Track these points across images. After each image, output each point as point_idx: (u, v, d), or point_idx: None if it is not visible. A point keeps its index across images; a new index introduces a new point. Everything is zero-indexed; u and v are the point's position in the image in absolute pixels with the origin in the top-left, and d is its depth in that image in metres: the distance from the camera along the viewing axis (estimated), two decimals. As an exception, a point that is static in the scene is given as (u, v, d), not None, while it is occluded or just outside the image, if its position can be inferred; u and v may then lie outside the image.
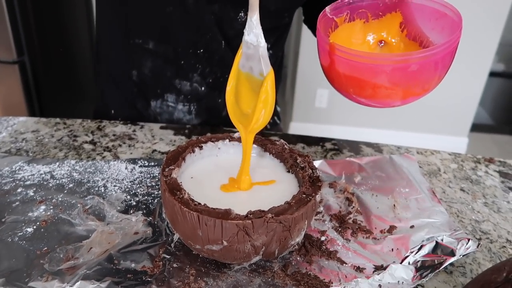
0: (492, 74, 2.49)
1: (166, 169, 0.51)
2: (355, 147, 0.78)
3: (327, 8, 0.56)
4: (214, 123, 0.87)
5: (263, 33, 0.49)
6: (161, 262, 0.49)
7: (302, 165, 0.55)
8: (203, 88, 0.82)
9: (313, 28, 0.90)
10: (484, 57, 2.31)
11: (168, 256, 0.50)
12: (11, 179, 0.62)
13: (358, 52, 0.49)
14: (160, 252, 0.50)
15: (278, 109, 1.00)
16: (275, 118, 0.98)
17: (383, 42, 0.60)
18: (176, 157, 0.54)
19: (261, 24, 0.49)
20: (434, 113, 2.39)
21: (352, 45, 0.59)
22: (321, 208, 0.59)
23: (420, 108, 2.35)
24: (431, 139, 2.50)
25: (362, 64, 0.49)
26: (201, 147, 0.57)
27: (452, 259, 0.51)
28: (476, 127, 2.64)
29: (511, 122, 2.91)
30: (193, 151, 0.56)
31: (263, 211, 0.45)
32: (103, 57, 0.87)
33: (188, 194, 0.47)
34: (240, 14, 0.75)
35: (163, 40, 0.78)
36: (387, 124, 2.50)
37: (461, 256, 0.52)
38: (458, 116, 2.45)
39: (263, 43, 0.49)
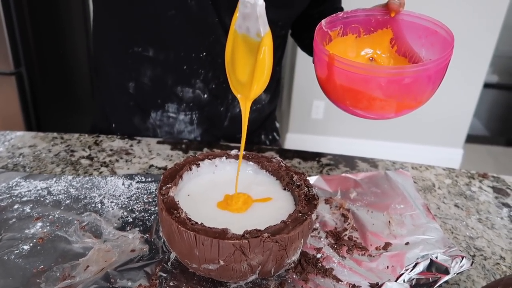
0: (487, 85, 2.51)
1: (164, 188, 0.51)
2: (350, 162, 0.78)
3: (323, 22, 0.57)
4: (216, 134, 0.87)
5: None
6: (158, 281, 0.49)
7: (298, 183, 0.55)
8: (205, 96, 0.81)
9: (299, 41, 0.91)
10: (478, 69, 2.33)
11: (164, 275, 0.50)
12: (7, 195, 0.62)
13: (356, 63, 0.50)
14: (157, 270, 0.50)
15: (277, 125, 1.00)
16: (274, 134, 0.98)
17: (372, 58, 0.61)
18: (173, 175, 0.54)
19: None
20: (430, 124, 2.40)
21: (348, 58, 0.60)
22: (317, 225, 0.60)
23: (415, 120, 2.37)
24: (426, 150, 2.51)
25: (359, 75, 0.50)
26: (198, 165, 0.57)
27: (446, 277, 0.51)
28: (471, 138, 2.66)
29: (506, 133, 2.93)
30: (190, 169, 0.57)
31: (260, 230, 0.46)
32: (101, 70, 0.87)
33: (185, 213, 0.47)
34: None
35: (164, 46, 0.77)
36: (382, 136, 2.51)
37: (455, 274, 0.52)
38: (453, 127, 2.47)
39: (261, 1, 0.47)
